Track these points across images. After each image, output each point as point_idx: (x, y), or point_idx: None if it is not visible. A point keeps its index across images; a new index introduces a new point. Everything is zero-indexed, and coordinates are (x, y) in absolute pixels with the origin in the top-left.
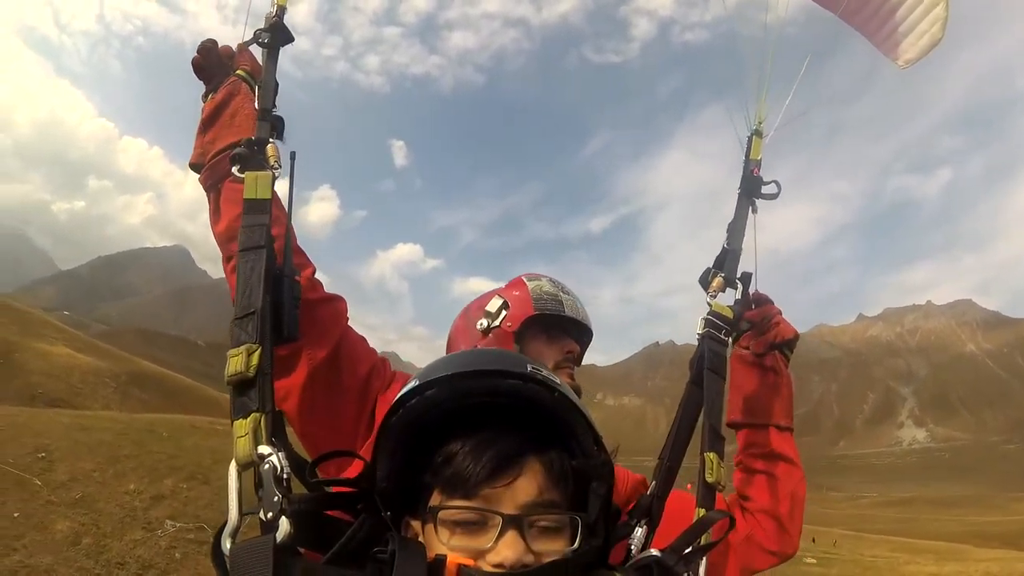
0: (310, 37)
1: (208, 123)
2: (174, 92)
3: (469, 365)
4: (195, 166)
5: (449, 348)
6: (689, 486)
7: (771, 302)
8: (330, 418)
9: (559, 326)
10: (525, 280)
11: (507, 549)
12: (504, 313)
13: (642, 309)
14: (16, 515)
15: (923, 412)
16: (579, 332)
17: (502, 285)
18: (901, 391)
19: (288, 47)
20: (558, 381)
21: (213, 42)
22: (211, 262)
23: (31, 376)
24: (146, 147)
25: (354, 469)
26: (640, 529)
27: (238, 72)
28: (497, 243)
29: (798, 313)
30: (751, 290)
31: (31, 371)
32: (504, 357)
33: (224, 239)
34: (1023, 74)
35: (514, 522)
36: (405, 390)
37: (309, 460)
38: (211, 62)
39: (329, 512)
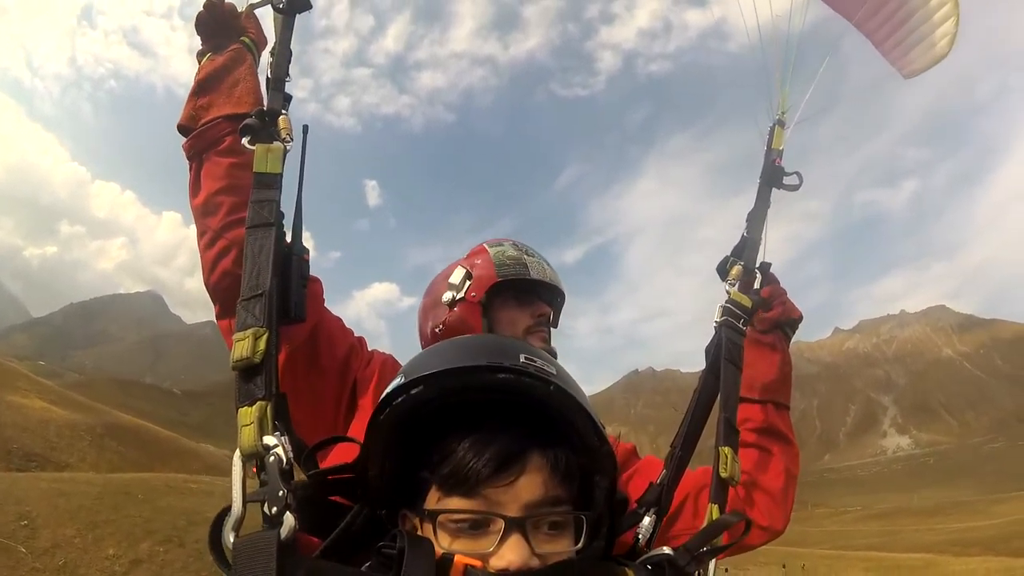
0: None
1: (204, 85)
2: (146, 136)
3: (457, 360)
4: (183, 128)
5: (419, 329)
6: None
7: (778, 281)
8: (310, 399)
9: (528, 290)
10: (487, 247)
11: (511, 553)
12: (468, 283)
13: (620, 338)
14: None
15: (905, 420)
16: (550, 294)
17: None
18: (882, 400)
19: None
20: (553, 372)
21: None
22: (185, 307)
23: (5, 430)
24: (118, 191)
25: (349, 453)
26: (648, 518)
27: (243, 39)
28: None
29: None
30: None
31: (5, 425)
32: (494, 348)
33: (200, 213)
34: (983, 83)
35: (517, 525)
36: (391, 388)
37: (306, 446)
38: (215, 18)
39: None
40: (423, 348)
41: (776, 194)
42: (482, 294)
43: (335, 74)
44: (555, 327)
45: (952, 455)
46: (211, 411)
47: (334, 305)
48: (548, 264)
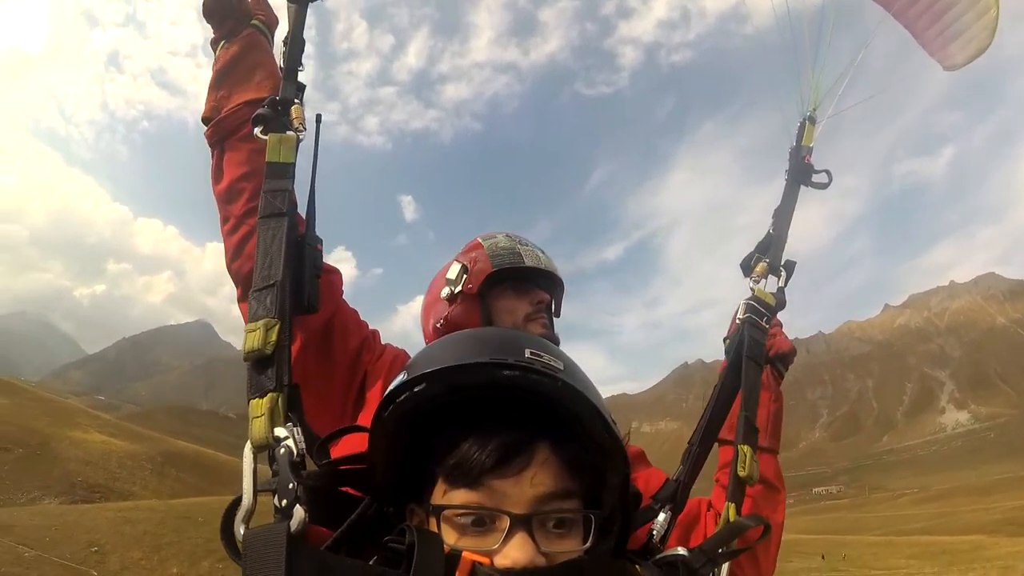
0: (309, 106)
1: (223, 75)
2: (183, 171)
3: (461, 356)
4: (208, 119)
5: (423, 329)
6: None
7: (783, 306)
8: (319, 389)
9: (525, 278)
10: (480, 240)
11: (515, 551)
12: (464, 276)
13: (667, 331)
14: None
15: (963, 394)
16: (548, 282)
17: None
18: (938, 376)
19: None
20: (561, 366)
21: None
22: (234, 334)
23: (69, 464)
24: (161, 227)
25: (362, 443)
26: (664, 515)
27: (254, 22)
28: None
29: (823, 313)
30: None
31: (68, 459)
32: (499, 343)
33: (224, 199)
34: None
35: (522, 522)
36: (394, 385)
37: (319, 436)
38: (222, 5)
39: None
40: (428, 342)
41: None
42: (478, 285)
43: (361, 95)
44: (557, 316)
45: (1013, 427)
46: None
47: (379, 321)
48: (543, 252)
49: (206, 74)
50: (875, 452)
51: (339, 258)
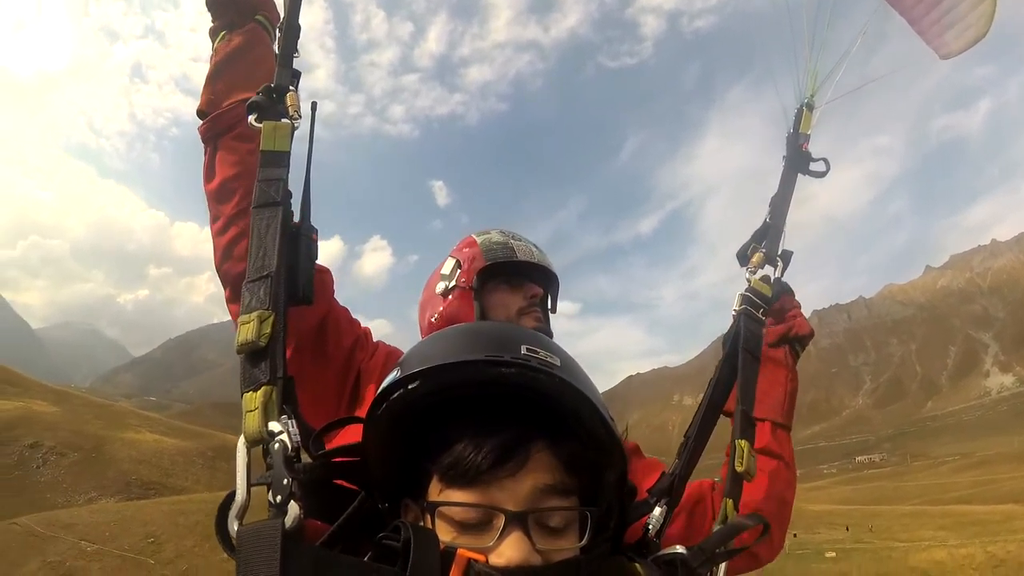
0: (334, 99)
1: (222, 68)
2: None
3: (455, 353)
4: (203, 113)
5: (419, 325)
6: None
7: (793, 293)
8: (314, 389)
9: (519, 272)
10: (475, 236)
11: (510, 550)
12: (458, 272)
13: (705, 302)
14: None
15: (1008, 356)
16: (542, 276)
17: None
18: (982, 338)
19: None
20: (557, 362)
21: None
22: None
23: (123, 464)
24: (198, 229)
25: (358, 435)
26: (659, 509)
27: (258, 17)
28: (551, 261)
29: (864, 277)
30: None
31: (123, 459)
32: (494, 339)
33: (215, 198)
34: None
35: (518, 520)
36: (388, 382)
37: (313, 429)
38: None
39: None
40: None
41: (845, 134)
42: (472, 279)
43: (384, 85)
44: (553, 312)
45: None
46: None
47: (416, 308)
48: (536, 247)
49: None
50: (919, 418)
51: (375, 247)
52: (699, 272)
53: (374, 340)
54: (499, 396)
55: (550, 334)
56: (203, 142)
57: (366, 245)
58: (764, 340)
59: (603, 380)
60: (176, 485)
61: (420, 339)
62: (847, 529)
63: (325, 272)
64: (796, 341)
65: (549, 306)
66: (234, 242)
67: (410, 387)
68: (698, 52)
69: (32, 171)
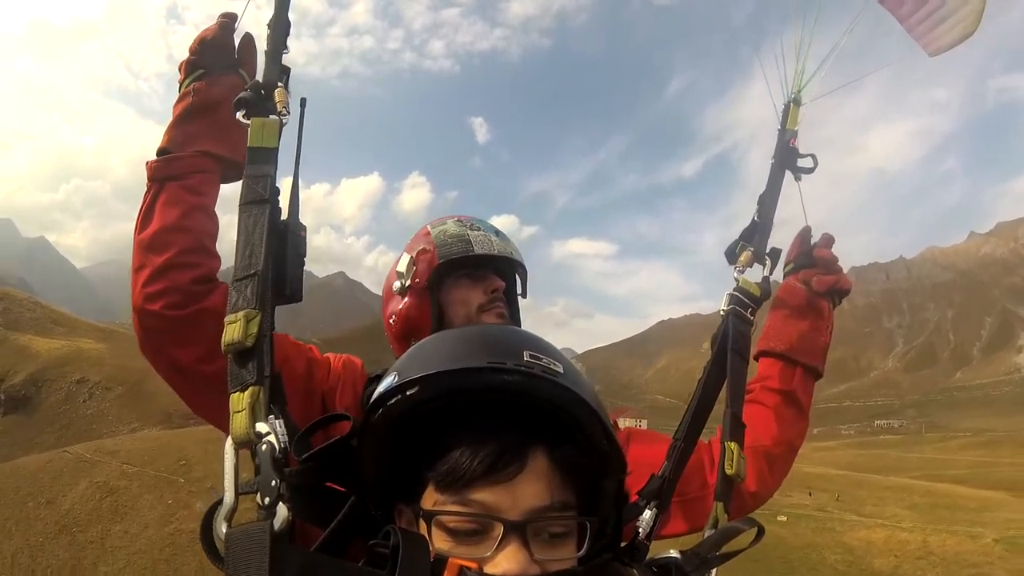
0: (373, 34)
1: (197, 113)
2: None
3: (457, 359)
4: (164, 151)
5: (383, 317)
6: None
7: (831, 244)
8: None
9: (478, 265)
10: (429, 228)
11: (507, 560)
12: (413, 269)
13: None
14: (170, 502)
15: None
16: (506, 266)
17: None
18: (1019, 312)
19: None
20: (560, 370)
21: (234, 18)
22: (316, 263)
23: (164, 397)
24: None
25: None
26: (649, 511)
27: (241, 71)
28: (591, 201)
29: (907, 236)
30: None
31: (164, 392)
32: (496, 345)
33: (146, 246)
34: None
35: (516, 530)
36: (384, 388)
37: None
38: (217, 44)
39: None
40: (388, 336)
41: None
42: (425, 280)
43: (424, 19)
44: (524, 297)
45: None
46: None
47: None
48: (497, 235)
49: (265, 13)
50: (947, 387)
51: (413, 183)
52: (742, 219)
53: (322, 355)
54: (499, 402)
55: (519, 326)
56: (148, 181)
57: (405, 181)
58: (815, 288)
59: (636, 323)
60: None
61: (388, 331)
62: (810, 495)
63: None
64: (838, 294)
65: (519, 292)
66: (156, 297)
67: (408, 393)
68: None
69: (73, 116)
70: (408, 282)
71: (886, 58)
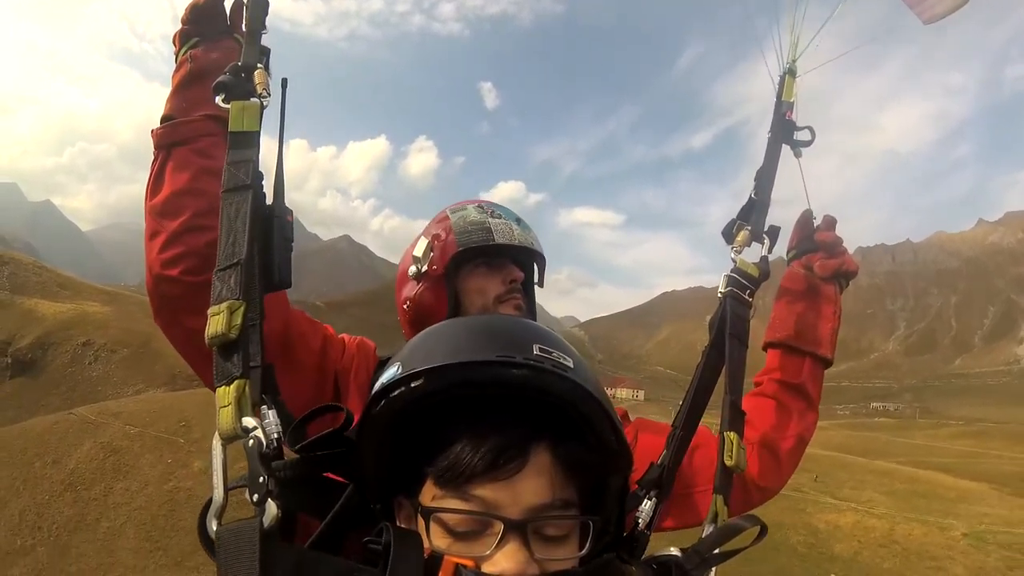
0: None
1: (199, 78)
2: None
3: (464, 352)
4: (167, 118)
5: (396, 299)
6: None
7: (834, 226)
8: (290, 403)
9: (499, 254)
10: (449, 213)
11: (506, 560)
12: (431, 255)
13: None
14: (169, 461)
15: None
16: (525, 256)
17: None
18: (1022, 303)
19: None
20: (570, 364)
21: None
22: (320, 225)
23: (168, 359)
24: None
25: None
26: (649, 501)
27: (236, 36)
28: (599, 170)
29: (915, 220)
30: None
31: (168, 355)
32: (505, 338)
33: (158, 212)
34: None
35: (516, 529)
36: (387, 379)
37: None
38: (209, 12)
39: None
40: (400, 320)
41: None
42: (443, 267)
43: None
44: (541, 286)
45: None
46: (353, 320)
47: None
48: (518, 223)
49: None
50: (945, 373)
51: (420, 147)
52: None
53: (338, 335)
54: (503, 396)
55: (534, 317)
56: (155, 148)
57: (412, 145)
58: (818, 273)
59: (640, 294)
60: None
61: (401, 316)
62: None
63: None
64: (844, 277)
65: (536, 281)
66: (174, 262)
67: (413, 385)
68: None
69: (77, 80)
70: (424, 267)
71: (902, 35)
